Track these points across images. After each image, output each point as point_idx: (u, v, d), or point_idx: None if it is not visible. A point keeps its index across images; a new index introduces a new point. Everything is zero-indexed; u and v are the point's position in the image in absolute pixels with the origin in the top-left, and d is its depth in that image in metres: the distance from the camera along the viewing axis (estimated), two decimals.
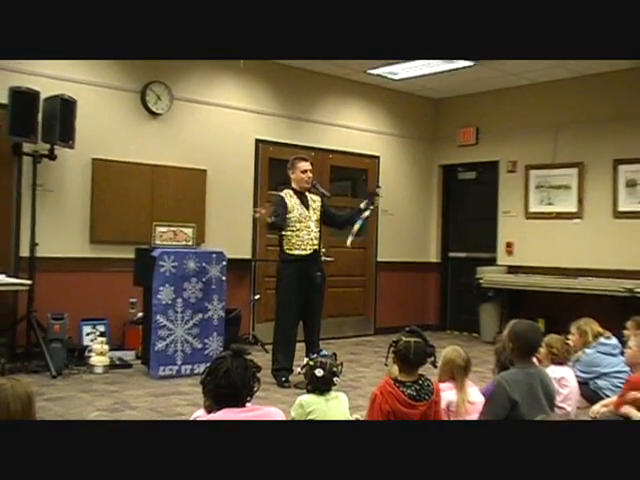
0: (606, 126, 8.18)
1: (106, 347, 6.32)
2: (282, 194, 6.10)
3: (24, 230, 6.42)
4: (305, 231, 5.96)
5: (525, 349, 3.70)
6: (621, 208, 8.05)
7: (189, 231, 6.45)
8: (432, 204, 10.04)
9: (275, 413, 2.85)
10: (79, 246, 6.84)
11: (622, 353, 4.93)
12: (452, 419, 3.86)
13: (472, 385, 4.05)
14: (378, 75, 8.64)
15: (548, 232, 8.68)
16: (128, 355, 6.69)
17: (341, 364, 3.68)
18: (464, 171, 9.98)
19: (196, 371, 5.99)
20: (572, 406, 4.68)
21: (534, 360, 3.83)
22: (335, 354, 3.77)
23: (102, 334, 6.62)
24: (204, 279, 6.21)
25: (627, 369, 4.79)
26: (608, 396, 4.81)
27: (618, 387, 4.80)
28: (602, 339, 5.22)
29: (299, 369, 3.75)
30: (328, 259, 7.47)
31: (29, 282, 6.02)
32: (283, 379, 5.87)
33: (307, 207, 6.04)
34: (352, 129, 9.03)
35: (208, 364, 2.93)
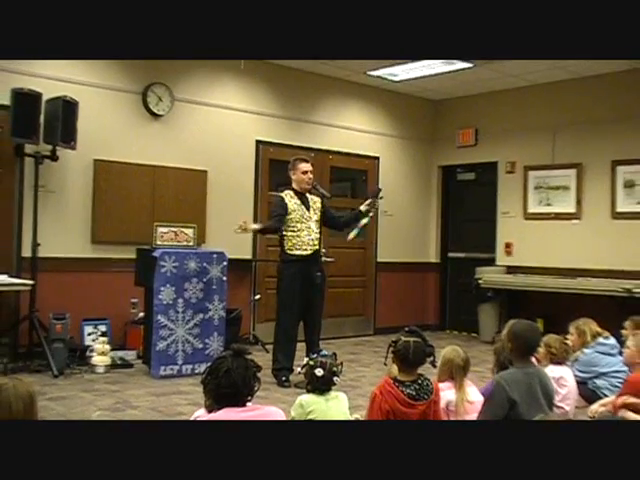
0: (605, 127, 8.20)
1: (107, 347, 6.34)
2: (282, 195, 6.13)
3: (26, 231, 6.44)
4: (306, 231, 5.98)
5: (524, 349, 3.71)
6: (619, 209, 8.07)
7: (190, 231, 6.47)
8: (431, 205, 10.06)
9: (275, 412, 2.86)
10: (81, 246, 6.86)
11: (620, 353, 4.91)
12: (451, 418, 3.87)
13: (471, 385, 4.05)
14: (378, 76, 8.66)
15: (547, 233, 8.70)
16: (129, 355, 6.70)
17: (341, 364, 3.68)
18: (463, 172, 9.99)
19: (197, 371, 6.01)
20: (571, 405, 4.68)
21: (533, 360, 3.84)
22: (335, 354, 3.77)
23: (103, 334, 6.64)
24: (205, 279, 6.23)
25: (625, 369, 4.79)
26: (606, 395, 4.81)
27: (616, 387, 4.81)
28: (600, 339, 5.21)
29: (299, 369, 3.75)
30: (328, 259, 7.50)
31: (31, 282, 6.03)
32: (283, 379, 5.88)
33: (308, 208, 6.07)
34: (352, 130, 9.06)
35: (209, 364, 2.93)
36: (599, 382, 5.06)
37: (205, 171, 7.67)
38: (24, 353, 6.25)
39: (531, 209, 8.92)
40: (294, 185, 6.13)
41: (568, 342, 5.11)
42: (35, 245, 6.36)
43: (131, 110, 7.20)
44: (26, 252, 6.44)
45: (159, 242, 6.27)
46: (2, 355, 6.03)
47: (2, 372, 5.66)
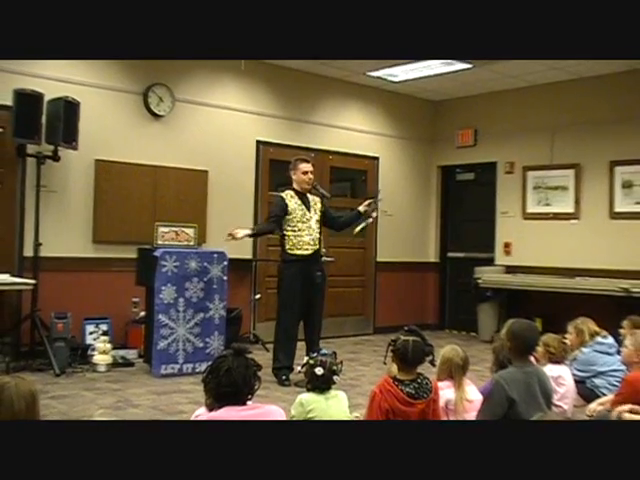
0: (603, 128, 8.23)
1: (109, 346, 6.36)
2: (282, 195, 6.15)
3: (28, 230, 6.46)
4: (306, 231, 6.01)
5: (523, 348, 3.73)
6: (617, 209, 8.10)
7: (191, 231, 6.49)
8: (431, 205, 10.09)
9: (276, 411, 2.87)
10: (82, 246, 6.88)
11: (618, 352, 4.92)
12: (450, 417, 3.88)
13: (470, 384, 4.06)
14: (378, 77, 8.68)
15: (545, 232, 8.73)
16: (130, 354, 6.72)
17: (341, 363, 3.70)
18: (462, 172, 10.02)
19: (197, 370, 6.03)
20: (569, 404, 4.69)
21: (532, 359, 3.86)
22: (335, 353, 3.79)
23: (105, 333, 6.66)
24: (205, 279, 6.26)
25: (623, 368, 4.79)
26: (604, 394, 4.81)
27: (614, 385, 4.81)
28: (599, 338, 5.21)
29: (299, 368, 3.76)
30: (328, 259, 7.53)
31: (33, 282, 6.05)
32: (284, 377, 5.91)
33: (308, 208, 6.09)
34: (352, 130, 9.08)
35: (209, 363, 2.95)
36: (597, 381, 5.06)
37: (206, 171, 7.69)
38: (26, 352, 6.27)
39: (530, 209, 8.95)
40: (294, 185, 6.16)
41: (566, 341, 5.12)
42: (37, 245, 6.38)
43: (132, 110, 7.23)
44: (28, 252, 6.46)
45: (160, 242, 6.29)
46: (4, 354, 6.04)
47: (4, 371, 5.67)
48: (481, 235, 9.53)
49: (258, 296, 8.01)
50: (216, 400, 2.81)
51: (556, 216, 8.65)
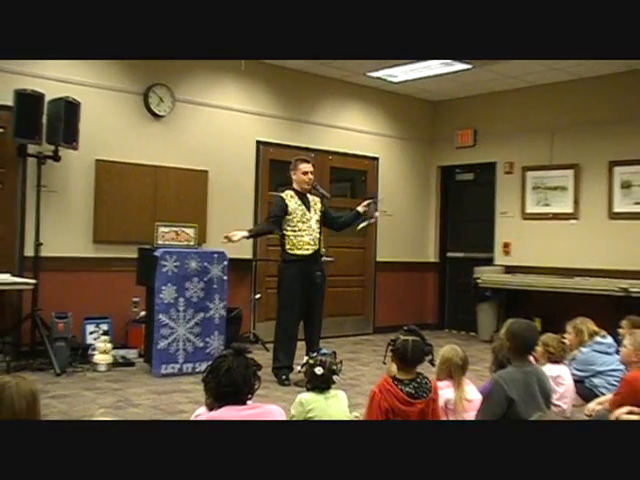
0: (602, 128, 8.25)
1: (109, 345, 6.37)
2: (283, 195, 6.16)
3: (29, 230, 6.47)
4: (306, 231, 6.02)
5: (522, 348, 3.75)
6: (616, 209, 8.12)
7: (191, 231, 6.51)
8: (430, 205, 10.11)
9: (275, 411, 2.88)
10: (82, 246, 6.90)
11: (617, 352, 4.94)
12: (450, 417, 3.90)
13: (469, 383, 4.08)
14: (377, 78, 8.70)
15: (545, 232, 8.75)
16: (131, 353, 6.73)
17: (340, 362, 3.71)
18: (462, 172, 10.04)
19: (198, 369, 6.04)
20: (568, 404, 4.72)
21: (531, 359, 3.88)
22: (335, 353, 3.79)
23: (105, 333, 6.68)
24: (206, 279, 6.27)
25: (622, 367, 4.81)
26: (603, 394, 4.84)
27: (613, 385, 4.84)
28: (598, 338, 5.24)
29: (299, 367, 3.76)
30: (328, 259, 7.54)
31: (33, 281, 6.06)
32: (283, 377, 5.92)
33: (308, 208, 6.11)
34: (352, 131, 9.10)
35: (209, 362, 2.96)
36: (596, 381, 5.08)
37: (206, 171, 7.71)
38: (27, 352, 6.28)
39: (529, 209, 8.97)
40: (295, 185, 6.17)
41: (565, 341, 5.15)
42: (37, 244, 6.40)
43: (133, 111, 7.24)
44: (29, 251, 6.48)
45: (160, 242, 6.30)
46: (5, 353, 6.06)
47: (5, 370, 5.68)
48: (480, 235, 9.54)
49: (258, 296, 8.02)
50: (216, 400, 2.81)
51: (555, 216, 8.67)
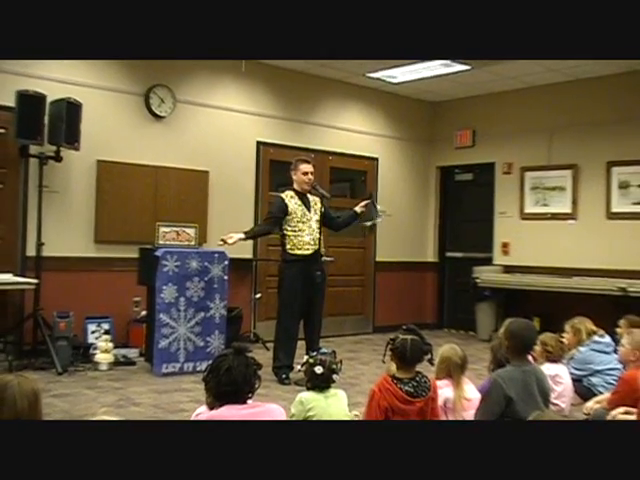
0: (600, 129, 8.28)
1: (110, 345, 6.39)
2: (282, 195, 6.19)
3: (30, 230, 6.50)
4: (306, 231, 6.04)
5: (520, 347, 3.78)
6: (614, 209, 8.15)
7: (191, 231, 6.52)
8: (430, 205, 10.14)
9: (276, 410, 2.89)
10: (84, 246, 6.93)
11: (615, 351, 4.96)
12: (449, 415, 3.92)
13: (468, 382, 4.10)
14: (377, 79, 8.72)
15: (543, 232, 8.77)
16: (132, 353, 6.76)
17: (340, 362, 3.72)
18: (461, 173, 10.07)
19: (198, 368, 6.06)
20: (566, 403, 4.75)
21: (529, 358, 3.90)
22: (334, 352, 3.80)
23: (107, 332, 6.68)
24: (206, 278, 6.29)
25: (620, 366, 4.84)
26: (601, 393, 4.85)
27: (611, 384, 4.85)
28: (596, 337, 5.25)
29: (299, 366, 3.77)
30: (328, 259, 7.57)
31: (35, 281, 6.09)
32: (284, 376, 5.94)
33: (308, 208, 6.13)
34: (351, 131, 9.13)
35: (210, 362, 2.96)
36: (594, 379, 5.09)
37: (206, 172, 7.74)
38: (29, 351, 6.30)
39: (528, 209, 8.99)
40: (295, 185, 6.19)
41: (564, 340, 5.17)
42: (39, 244, 6.42)
43: (134, 111, 7.27)
44: (30, 251, 6.50)
45: (161, 242, 6.32)
46: (7, 353, 6.09)
47: (7, 369, 5.71)
48: (479, 235, 9.57)
49: (258, 295, 8.05)
50: (216, 399, 2.83)
51: (554, 216, 8.70)
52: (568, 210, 8.58)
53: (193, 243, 6.51)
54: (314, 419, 3.48)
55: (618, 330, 5.28)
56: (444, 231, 10.16)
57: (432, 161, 10.09)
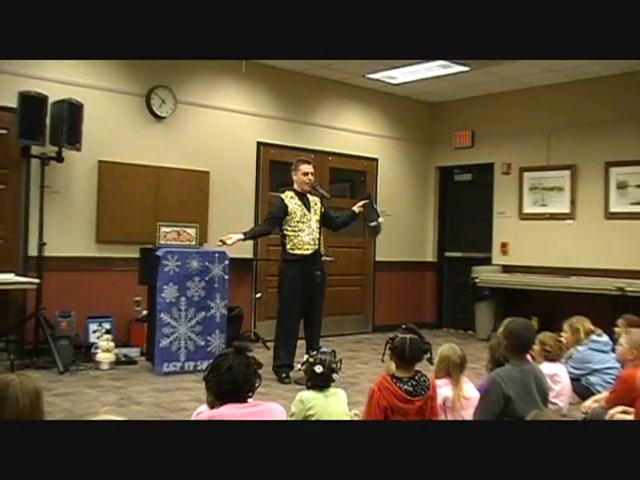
0: (598, 129, 8.30)
1: (112, 344, 6.42)
2: (282, 195, 6.21)
3: (32, 230, 6.53)
4: (306, 231, 6.07)
5: (519, 346, 3.78)
6: (612, 209, 8.17)
7: (192, 231, 6.54)
8: (429, 205, 10.16)
9: (276, 409, 2.89)
10: (85, 246, 6.95)
11: (613, 350, 4.96)
12: (448, 414, 3.93)
13: (467, 381, 4.11)
14: (377, 79, 8.74)
15: (542, 232, 8.79)
16: (133, 352, 6.78)
17: (340, 361, 3.73)
18: (460, 173, 10.09)
19: (199, 367, 6.08)
20: (564, 402, 4.76)
21: (528, 357, 3.92)
22: (334, 351, 3.82)
23: (108, 331, 6.72)
24: (207, 278, 6.31)
25: (618, 365, 4.84)
26: (599, 392, 4.83)
27: (609, 383, 4.85)
28: (594, 336, 5.24)
29: (299, 366, 3.78)
30: (328, 259, 7.59)
31: (37, 281, 6.11)
32: (284, 375, 5.96)
33: (308, 208, 6.16)
34: (351, 132, 9.15)
35: (211, 361, 2.96)
36: (592, 379, 5.09)
37: (207, 172, 7.76)
38: (30, 350, 6.33)
39: (526, 209, 9.02)
40: (295, 186, 6.22)
41: (562, 339, 5.16)
42: (41, 244, 6.45)
43: (135, 112, 7.30)
44: (32, 251, 6.53)
45: (162, 242, 6.34)
46: (9, 352, 6.12)
47: (9, 368, 5.74)
48: (478, 235, 9.59)
49: (259, 295, 8.08)
50: (217, 398, 2.83)
51: (552, 216, 8.72)
52: (566, 210, 8.60)
53: (194, 243, 6.53)
54: (314, 418, 3.49)
55: (616, 329, 5.27)
56: (443, 231, 10.18)
57: (431, 161, 10.11)
